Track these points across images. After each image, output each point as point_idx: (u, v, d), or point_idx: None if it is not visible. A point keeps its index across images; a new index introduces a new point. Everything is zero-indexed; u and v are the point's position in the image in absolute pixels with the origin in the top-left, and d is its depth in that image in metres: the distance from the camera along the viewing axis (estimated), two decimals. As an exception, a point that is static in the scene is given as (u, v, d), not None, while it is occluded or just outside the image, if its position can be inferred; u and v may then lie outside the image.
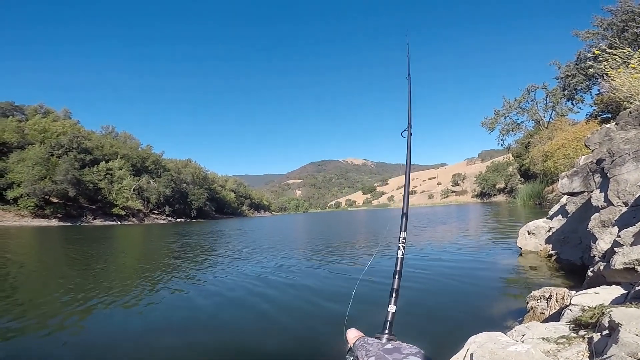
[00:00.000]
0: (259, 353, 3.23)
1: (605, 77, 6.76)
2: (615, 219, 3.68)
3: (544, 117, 41.67)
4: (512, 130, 44.35)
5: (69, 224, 40.14)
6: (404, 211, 1.10)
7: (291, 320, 4.08)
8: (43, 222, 39.09)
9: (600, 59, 6.25)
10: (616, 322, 1.69)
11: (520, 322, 3.01)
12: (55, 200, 43.47)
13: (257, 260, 8.59)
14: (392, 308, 0.89)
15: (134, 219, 51.54)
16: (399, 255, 1.02)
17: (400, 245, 1.04)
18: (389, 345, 0.67)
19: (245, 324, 4.04)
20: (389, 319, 0.86)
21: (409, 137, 1.19)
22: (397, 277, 0.97)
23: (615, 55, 5.95)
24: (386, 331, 0.83)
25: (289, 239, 15.13)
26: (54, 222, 40.13)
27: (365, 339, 0.72)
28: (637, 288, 2.22)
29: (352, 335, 0.77)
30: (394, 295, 0.92)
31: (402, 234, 1.05)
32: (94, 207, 48.40)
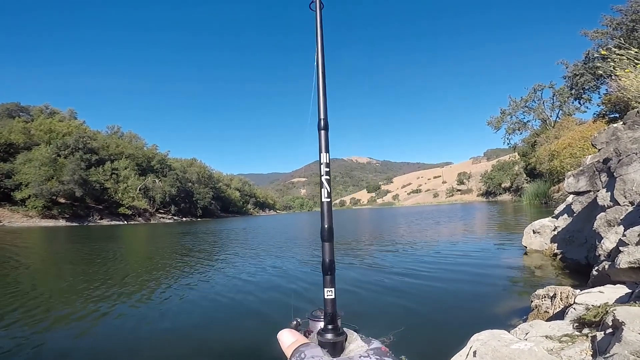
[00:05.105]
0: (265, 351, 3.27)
1: (613, 77, 6.72)
2: (621, 218, 3.67)
3: (551, 116, 41.41)
4: (518, 129, 44.11)
5: (77, 224, 40.50)
6: (323, 117, 0.68)
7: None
8: (51, 223, 39.45)
9: (608, 59, 6.20)
10: (620, 320, 1.70)
11: (524, 321, 3.01)
12: (62, 200, 43.87)
13: (262, 259, 8.64)
14: (329, 293, 0.60)
15: (140, 219, 51.89)
16: (324, 199, 0.64)
17: (324, 180, 0.65)
18: None
19: (248, 321, 4.09)
20: (330, 310, 0.59)
21: (319, 8, 0.70)
22: (326, 240, 0.62)
23: (622, 56, 5.91)
24: (330, 328, 0.58)
25: (294, 238, 15.17)
26: (62, 223, 40.48)
27: (302, 354, 0.52)
28: (641, 287, 2.22)
29: (287, 340, 0.57)
30: (329, 273, 0.61)
31: (324, 155, 0.65)
32: (100, 207, 48.79)
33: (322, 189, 0.65)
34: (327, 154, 0.67)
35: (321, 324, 0.61)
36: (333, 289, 0.61)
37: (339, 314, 0.63)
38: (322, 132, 0.69)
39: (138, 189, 53.54)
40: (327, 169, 0.66)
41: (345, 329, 0.61)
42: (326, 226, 0.63)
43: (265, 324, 3.90)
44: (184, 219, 58.63)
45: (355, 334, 0.60)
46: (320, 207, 0.65)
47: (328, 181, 0.66)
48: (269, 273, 6.84)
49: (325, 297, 0.61)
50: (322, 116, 0.70)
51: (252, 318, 4.24)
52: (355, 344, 0.57)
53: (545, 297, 3.13)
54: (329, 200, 0.65)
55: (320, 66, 0.72)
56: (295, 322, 0.68)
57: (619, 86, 6.40)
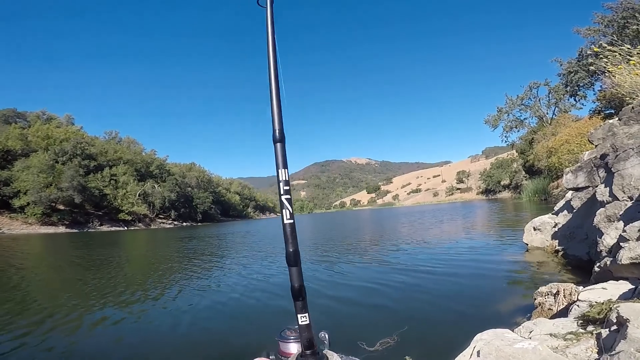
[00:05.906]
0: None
1: (607, 74, 6.74)
2: (621, 213, 3.67)
3: (547, 113, 41.62)
4: (516, 127, 44.30)
5: (76, 230, 40.37)
6: (278, 128, 0.61)
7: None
8: (50, 229, 39.24)
9: (601, 56, 6.22)
10: (624, 317, 1.69)
11: (528, 319, 3.00)
12: (61, 207, 43.73)
13: (264, 263, 8.62)
14: (303, 319, 0.56)
15: (140, 224, 51.74)
16: (286, 221, 0.59)
17: (284, 200, 0.60)
18: None
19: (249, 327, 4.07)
20: (306, 336, 0.55)
21: (269, 3, 0.71)
22: (292, 264, 0.60)
23: (615, 52, 5.92)
24: (308, 353, 0.55)
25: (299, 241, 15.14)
26: (62, 229, 40.30)
27: None
28: (644, 283, 2.22)
29: None
30: (300, 299, 0.57)
31: (282, 172, 0.60)
32: (100, 213, 48.65)
33: (284, 210, 0.61)
34: (286, 170, 0.63)
35: (292, 346, 0.59)
36: (307, 314, 0.58)
37: (323, 339, 0.61)
38: (278, 145, 0.64)
39: (137, 194, 53.41)
40: (287, 187, 0.62)
41: (326, 352, 0.58)
42: (291, 250, 0.61)
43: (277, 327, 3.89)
44: (184, 223, 58.50)
45: (335, 355, 0.58)
46: (283, 229, 0.61)
47: (289, 201, 0.62)
48: (278, 274, 6.83)
49: (300, 323, 0.58)
50: (276, 127, 0.64)
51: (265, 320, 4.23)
52: None
53: (548, 294, 3.13)
54: (292, 221, 0.62)
55: (273, 69, 0.68)
56: (265, 352, 0.66)
57: (612, 83, 6.41)
